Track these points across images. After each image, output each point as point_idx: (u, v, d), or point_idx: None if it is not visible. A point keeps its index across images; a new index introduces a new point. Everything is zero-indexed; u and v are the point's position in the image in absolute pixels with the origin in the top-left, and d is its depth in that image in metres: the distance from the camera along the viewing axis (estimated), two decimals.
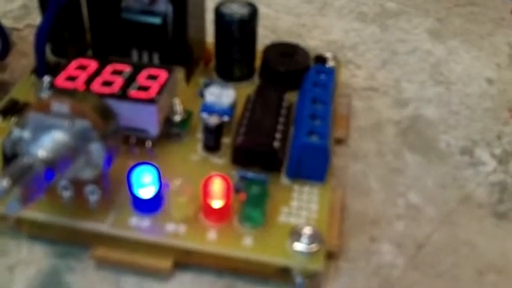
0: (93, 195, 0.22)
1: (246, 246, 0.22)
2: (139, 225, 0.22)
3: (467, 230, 0.25)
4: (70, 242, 0.23)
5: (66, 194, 0.22)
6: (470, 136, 0.30)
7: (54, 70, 0.26)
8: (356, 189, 0.27)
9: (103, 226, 0.22)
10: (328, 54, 0.30)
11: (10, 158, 0.20)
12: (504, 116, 0.31)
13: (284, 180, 0.24)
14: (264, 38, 0.36)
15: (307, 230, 0.22)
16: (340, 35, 0.37)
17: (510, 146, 0.30)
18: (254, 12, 0.27)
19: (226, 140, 0.25)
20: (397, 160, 0.28)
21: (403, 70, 0.34)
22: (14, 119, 0.26)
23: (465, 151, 0.29)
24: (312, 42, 0.36)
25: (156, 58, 0.28)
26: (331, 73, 0.27)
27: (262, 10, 0.39)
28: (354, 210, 0.26)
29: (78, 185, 0.22)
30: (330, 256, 0.23)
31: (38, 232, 0.23)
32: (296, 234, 0.22)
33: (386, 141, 0.29)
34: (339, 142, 0.28)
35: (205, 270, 0.22)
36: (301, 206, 0.23)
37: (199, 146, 0.25)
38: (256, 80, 0.29)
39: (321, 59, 0.30)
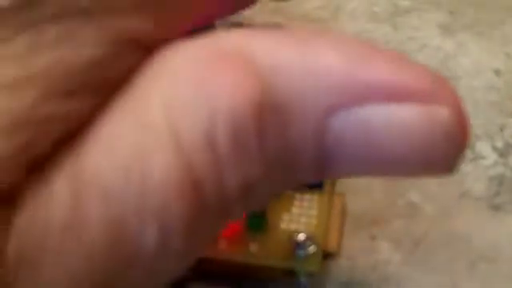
0: None
1: (252, 252, 0.25)
2: None
3: (463, 224, 0.27)
4: None
5: None
6: (473, 130, 0.31)
7: None
8: (358, 191, 0.29)
9: None
10: None
11: None
12: (509, 107, 0.33)
13: None
14: None
15: (304, 235, 0.24)
16: None
17: None
18: None
19: None
20: None
21: None
22: None
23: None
24: None
25: None
26: None
27: (277, 19, 0.42)
28: (355, 211, 0.28)
29: None
30: (331, 256, 0.26)
31: None
32: (295, 239, 0.24)
33: None
34: None
35: (216, 276, 0.26)
36: (301, 213, 0.26)
37: None
38: None
39: None
